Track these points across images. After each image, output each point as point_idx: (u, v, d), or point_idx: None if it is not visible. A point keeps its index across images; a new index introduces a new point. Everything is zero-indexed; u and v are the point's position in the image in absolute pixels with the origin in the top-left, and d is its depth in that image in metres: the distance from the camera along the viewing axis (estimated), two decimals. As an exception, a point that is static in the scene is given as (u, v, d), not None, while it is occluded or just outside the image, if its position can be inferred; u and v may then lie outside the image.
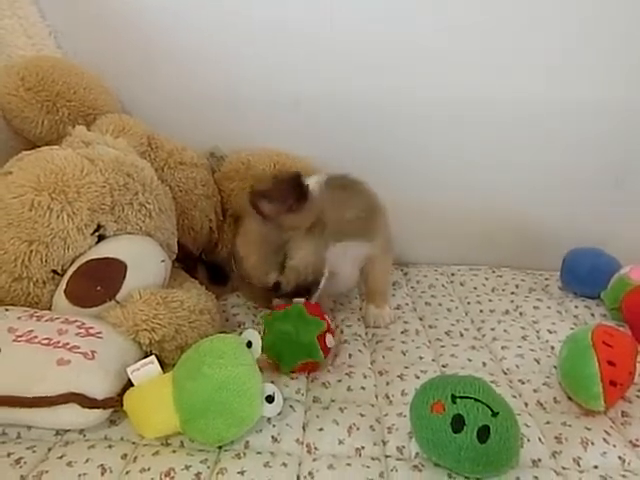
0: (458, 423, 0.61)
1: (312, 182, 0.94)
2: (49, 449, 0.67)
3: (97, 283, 0.80)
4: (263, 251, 0.92)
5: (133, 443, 0.69)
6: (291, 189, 0.88)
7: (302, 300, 0.87)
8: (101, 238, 0.85)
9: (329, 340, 0.84)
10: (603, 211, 1.26)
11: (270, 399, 0.70)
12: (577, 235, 1.22)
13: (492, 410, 0.62)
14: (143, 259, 0.87)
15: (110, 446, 0.68)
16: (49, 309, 0.84)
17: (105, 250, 0.83)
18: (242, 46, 1.15)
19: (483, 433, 0.60)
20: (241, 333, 0.75)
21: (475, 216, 1.29)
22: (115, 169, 0.87)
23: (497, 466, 0.62)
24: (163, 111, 1.17)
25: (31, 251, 0.80)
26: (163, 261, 0.90)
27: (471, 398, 0.63)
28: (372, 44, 1.15)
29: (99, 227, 0.84)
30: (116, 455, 0.66)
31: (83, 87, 1.05)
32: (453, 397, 0.63)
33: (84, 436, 0.70)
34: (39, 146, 1.05)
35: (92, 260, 0.81)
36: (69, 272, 0.82)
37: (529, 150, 1.24)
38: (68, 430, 0.70)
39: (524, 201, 1.27)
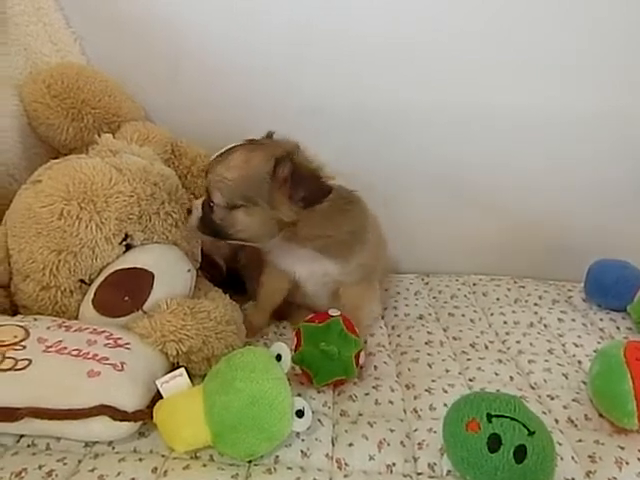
0: (494, 443, 0.61)
1: None
2: (79, 461, 0.67)
3: (125, 293, 0.80)
4: (244, 180, 0.82)
5: (163, 456, 0.68)
6: (322, 193, 0.82)
7: (338, 312, 0.86)
8: (128, 247, 0.85)
9: (362, 358, 0.84)
10: (627, 221, 1.25)
11: (300, 413, 0.70)
12: (600, 246, 1.21)
13: (528, 429, 0.61)
14: (170, 269, 0.87)
15: (140, 459, 0.67)
16: (76, 318, 0.84)
17: (133, 260, 0.83)
18: (265, 51, 1.14)
19: (520, 453, 0.60)
20: (265, 344, 0.74)
21: (496, 225, 1.28)
22: (142, 178, 0.87)
23: (534, 486, 0.61)
24: (186, 117, 1.16)
25: (59, 260, 0.80)
26: (189, 270, 0.90)
27: (507, 417, 0.62)
28: (393, 46, 1.14)
29: (126, 237, 0.84)
30: (147, 469, 0.66)
31: (108, 94, 1.05)
32: (489, 416, 0.62)
33: (113, 448, 0.69)
34: (64, 153, 1.07)
35: (120, 270, 0.81)
36: (97, 282, 0.82)
37: (551, 158, 1.22)
38: (96, 442, 0.70)
39: (546, 211, 1.26)
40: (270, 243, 0.88)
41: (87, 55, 1.14)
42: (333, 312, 0.85)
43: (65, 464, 0.66)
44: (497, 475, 0.60)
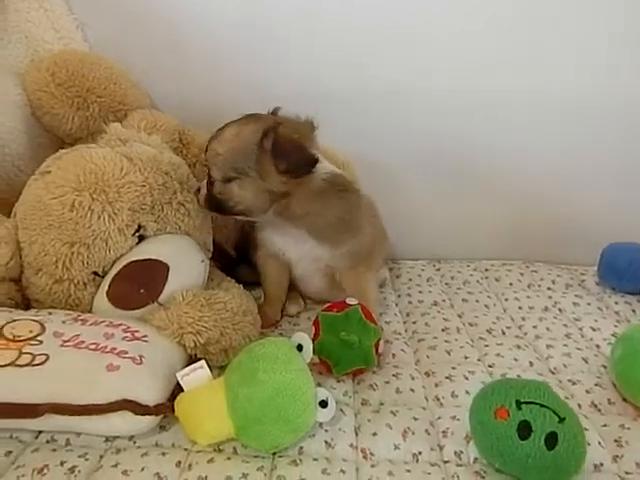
0: (525, 430, 0.60)
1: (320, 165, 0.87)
2: (101, 456, 0.66)
3: (140, 286, 0.79)
4: (234, 151, 0.85)
5: (185, 449, 0.68)
6: (305, 162, 0.83)
7: (356, 300, 0.84)
8: (141, 238, 0.84)
9: (381, 346, 0.83)
10: (638, 203, 1.24)
11: (324, 404, 0.69)
12: (611, 229, 1.20)
13: (559, 416, 0.60)
14: (184, 260, 0.85)
15: (163, 453, 0.66)
16: (90, 311, 0.82)
17: (146, 251, 0.82)
18: (273, 36, 1.12)
19: (551, 440, 0.59)
20: (281, 334, 0.72)
21: (507, 209, 1.27)
22: (154, 168, 0.85)
23: (565, 473, 0.60)
24: (192, 104, 1.14)
25: (72, 253, 0.79)
26: (203, 261, 0.88)
27: (537, 404, 0.61)
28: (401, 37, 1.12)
29: (139, 227, 0.83)
30: (170, 462, 0.65)
31: (113, 82, 1.03)
32: (518, 403, 0.61)
33: (134, 442, 0.68)
34: (69, 143, 1.05)
35: (134, 262, 0.80)
36: (110, 274, 0.80)
37: (561, 142, 1.21)
38: (117, 436, 0.69)
39: (557, 194, 1.25)
40: (265, 218, 0.89)
41: (90, 42, 1.12)
42: (351, 301, 0.84)
43: (87, 460, 0.65)
44: (528, 462, 0.59)
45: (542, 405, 0.61)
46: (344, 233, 0.91)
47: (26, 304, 0.84)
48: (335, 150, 1.15)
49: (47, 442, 0.68)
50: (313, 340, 0.78)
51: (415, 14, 1.11)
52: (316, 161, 0.84)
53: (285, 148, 0.82)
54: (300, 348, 0.72)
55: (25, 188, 0.84)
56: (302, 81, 1.15)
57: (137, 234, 0.82)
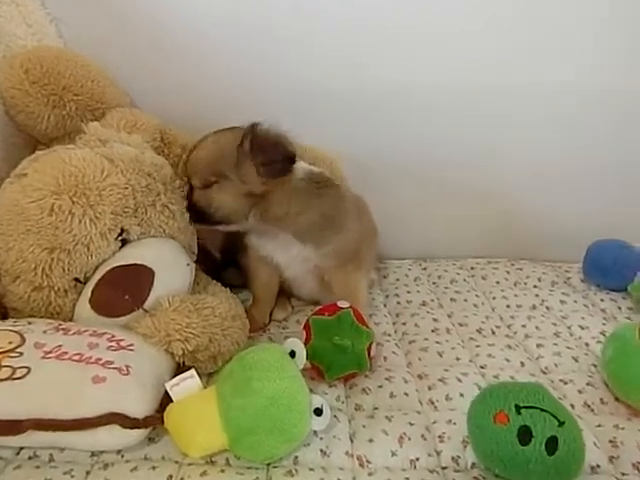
0: (525, 435, 0.59)
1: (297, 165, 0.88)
2: (87, 472, 0.63)
3: (125, 292, 0.76)
4: (213, 155, 0.86)
5: (176, 462, 0.65)
6: (283, 158, 0.83)
7: (347, 304, 0.83)
8: (124, 243, 0.80)
9: (373, 350, 0.82)
10: (620, 202, 1.24)
11: (318, 411, 0.67)
12: (595, 227, 1.21)
13: (558, 420, 0.60)
14: (169, 264, 0.82)
15: (153, 467, 0.64)
16: (71, 319, 0.79)
17: (130, 256, 0.79)
18: (258, 32, 1.09)
19: (551, 444, 0.58)
20: (270, 339, 0.70)
21: (491, 207, 1.27)
22: (136, 169, 0.82)
23: (565, 477, 0.60)
24: (173, 102, 1.10)
25: (52, 259, 0.75)
26: (188, 264, 0.85)
27: (536, 408, 0.60)
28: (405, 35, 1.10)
29: (122, 231, 0.80)
30: (162, 477, 0.62)
31: (90, 79, 0.99)
32: (517, 407, 0.61)
33: (122, 457, 0.66)
34: (44, 142, 1.01)
35: (118, 267, 0.77)
36: (93, 280, 0.77)
37: (545, 141, 1.21)
38: (103, 450, 0.66)
39: (541, 193, 1.25)
40: (246, 225, 0.89)
41: (64, 37, 1.07)
42: (342, 304, 0.82)
43: (73, 476, 0.62)
44: (529, 468, 0.58)
45: (542, 409, 0.60)
46: (327, 230, 0.90)
47: (3, 313, 0.81)
48: (321, 148, 1.13)
49: (29, 458, 0.65)
50: (305, 344, 0.76)
51: (415, 14, 1.09)
52: (294, 156, 0.84)
53: (264, 143, 0.83)
54: (292, 354, 0.70)
55: (0, 191, 0.79)
56: (291, 80, 1.13)
57: (120, 238, 0.79)
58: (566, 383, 0.82)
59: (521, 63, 1.12)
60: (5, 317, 0.80)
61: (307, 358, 0.75)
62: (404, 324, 0.99)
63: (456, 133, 1.17)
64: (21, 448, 0.66)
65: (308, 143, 1.05)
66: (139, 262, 0.78)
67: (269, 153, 0.82)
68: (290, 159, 0.84)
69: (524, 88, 1.13)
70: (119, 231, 0.79)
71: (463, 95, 1.13)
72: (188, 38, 1.08)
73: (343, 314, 0.80)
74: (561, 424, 0.59)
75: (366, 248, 1.01)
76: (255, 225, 0.88)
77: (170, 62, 1.10)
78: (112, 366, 0.67)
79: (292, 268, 0.95)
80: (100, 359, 0.67)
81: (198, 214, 0.88)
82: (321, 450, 0.67)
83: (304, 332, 0.81)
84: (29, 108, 0.95)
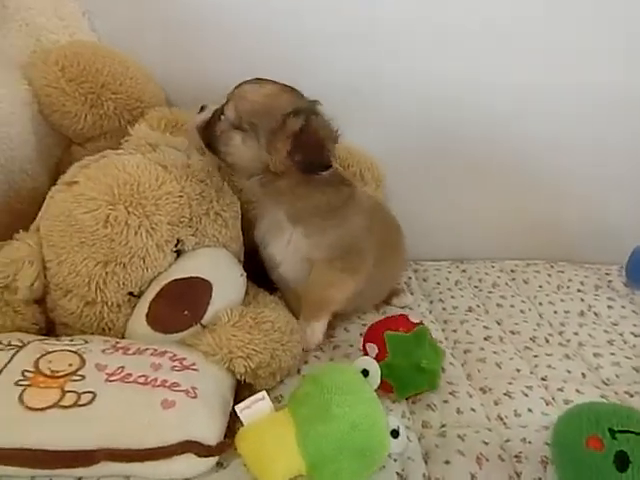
0: (622, 461, 0.57)
1: None
2: (158, 502, 0.60)
3: (184, 306, 0.72)
4: (261, 107, 0.80)
5: (249, 488, 0.62)
6: (320, 165, 0.79)
7: (418, 319, 0.80)
8: (179, 254, 0.77)
9: None
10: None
11: (395, 433, 0.64)
12: (633, 227, 1.19)
13: (655, 445, 0.57)
14: (224, 275, 0.79)
15: (228, 496, 0.61)
16: (123, 334, 0.75)
17: (187, 268, 0.75)
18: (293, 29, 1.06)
19: (649, 470, 0.56)
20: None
21: (533, 206, 1.25)
22: (189, 176, 0.78)
23: (663, 504, 0.58)
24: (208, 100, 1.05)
25: (107, 273, 0.71)
26: (242, 275, 0.82)
27: (633, 432, 0.58)
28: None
29: (178, 242, 0.76)
30: (236, 504, 0.59)
31: (129, 77, 0.94)
32: (612, 431, 0.58)
33: (192, 483, 0.62)
34: (78, 143, 0.96)
35: (176, 280, 0.73)
36: (149, 294, 0.73)
37: (594, 138, 1.18)
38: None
39: (585, 192, 1.23)
40: (247, 184, 0.86)
41: (98, 31, 1.01)
42: (414, 319, 0.79)
43: (143, 506, 0.59)
44: (626, 495, 0.56)
45: (638, 434, 0.58)
46: (321, 219, 0.85)
47: (50, 327, 0.77)
48: (362, 150, 1.10)
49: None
50: (378, 361, 0.73)
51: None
52: (330, 166, 0.80)
53: (308, 141, 0.78)
54: (365, 373, 0.67)
55: (48, 199, 0.75)
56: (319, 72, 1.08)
57: (175, 249, 0.75)
58: (632, 395, 0.80)
59: (570, 63, 1.10)
60: (50, 332, 0.76)
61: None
62: (454, 331, 0.97)
63: (498, 129, 1.15)
64: (80, 478, 0.62)
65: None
66: (196, 275, 0.74)
67: (309, 153, 0.78)
68: (325, 167, 0.80)
69: (559, 83, 1.12)
70: (175, 242, 0.75)
71: (508, 92, 1.10)
72: (231, 35, 1.03)
73: (420, 331, 0.77)
74: (657, 449, 0.57)
75: (365, 251, 0.90)
76: (253, 189, 0.85)
77: (205, 57, 1.05)
78: (179, 389, 0.64)
79: (286, 262, 0.89)
80: (166, 381, 0.64)
81: (210, 137, 0.82)
82: (397, 473, 0.65)
83: (376, 348, 0.77)
84: (65, 107, 0.90)
